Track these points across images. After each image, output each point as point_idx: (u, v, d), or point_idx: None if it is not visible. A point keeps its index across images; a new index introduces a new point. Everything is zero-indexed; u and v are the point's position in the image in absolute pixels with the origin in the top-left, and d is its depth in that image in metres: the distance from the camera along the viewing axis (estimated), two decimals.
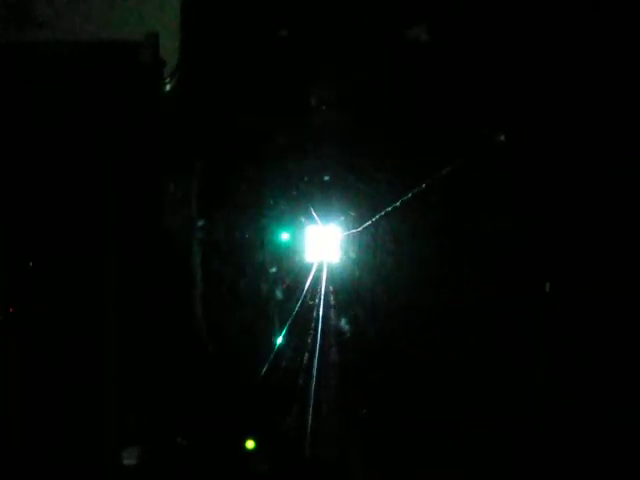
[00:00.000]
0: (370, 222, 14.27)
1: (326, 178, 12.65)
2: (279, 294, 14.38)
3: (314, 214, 16.73)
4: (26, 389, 8.48)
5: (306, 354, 13.46)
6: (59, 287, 8.79)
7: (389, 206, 11.86)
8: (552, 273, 8.45)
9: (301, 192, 12.40)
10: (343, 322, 16.88)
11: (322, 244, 19.05)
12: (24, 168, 8.89)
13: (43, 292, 8.86)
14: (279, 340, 12.51)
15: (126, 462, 7.92)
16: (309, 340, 15.50)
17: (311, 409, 10.09)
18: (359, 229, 15.29)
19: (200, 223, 10.04)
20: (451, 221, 10.05)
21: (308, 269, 18.20)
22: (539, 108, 8.17)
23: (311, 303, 17.38)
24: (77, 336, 8.77)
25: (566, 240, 8.26)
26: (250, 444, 8.58)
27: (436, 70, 9.35)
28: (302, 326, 16.52)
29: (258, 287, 12.63)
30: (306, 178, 11.93)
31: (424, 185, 10.06)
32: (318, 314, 17.94)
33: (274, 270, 14.26)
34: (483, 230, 9.31)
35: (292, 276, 16.32)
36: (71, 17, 9.34)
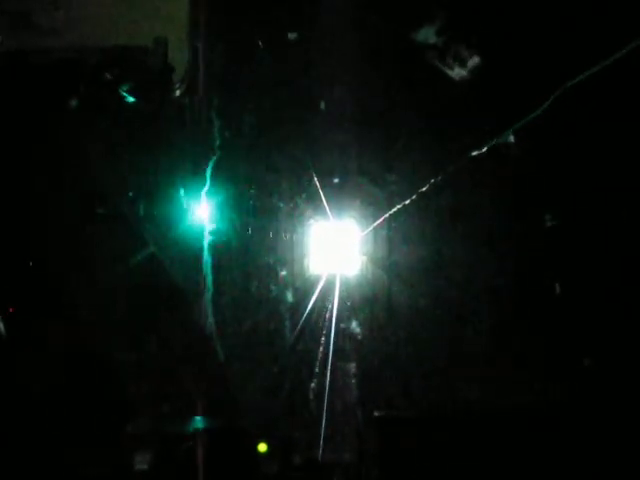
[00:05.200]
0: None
1: (336, 180, 12.32)
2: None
3: (326, 207, 11.45)
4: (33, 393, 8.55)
5: None
6: (66, 290, 8.88)
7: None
8: (562, 274, 8.44)
9: (311, 194, 12.05)
10: None
11: (334, 247, 11.54)
12: (33, 172, 8.99)
13: (47, 294, 8.95)
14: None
15: (138, 467, 7.95)
16: None
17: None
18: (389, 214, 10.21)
19: (210, 227, 10.05)
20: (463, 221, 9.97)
21: (307, 292, 11.69)
22: (550, 109, 8.16)
23: None
24: (83, 340, 8.84)
25: (577, 241, 8.24)
26: (262, 447, 8.58)
27: (446, 71, 9.35)
28: None
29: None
30: (316, 179, 11.78)
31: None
32: None
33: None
34: (496, 230, 9.29)
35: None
36: (78, 24, 9.41)
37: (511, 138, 8.97)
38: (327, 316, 11.31)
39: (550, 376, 8.68)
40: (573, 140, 8.69)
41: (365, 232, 12.33)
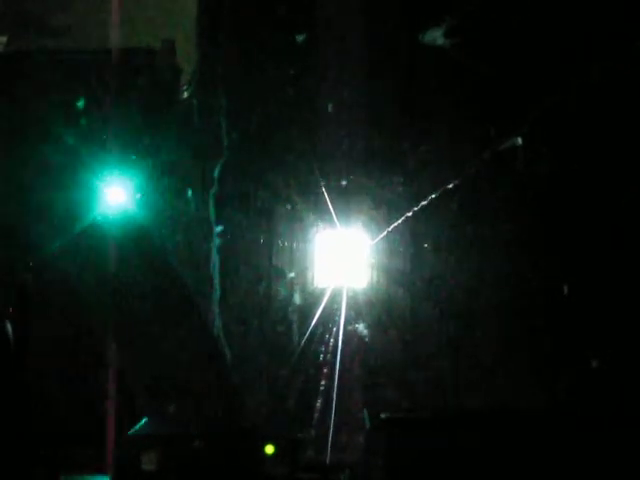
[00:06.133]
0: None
1: (344, 182, 11.98)
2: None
3: (332, 212, 10.12)
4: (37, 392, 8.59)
5: None
6: (73, 294, 8.92)
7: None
8: (570, 275, 8.42)
9: (318, 197, 11.81)
10: None
11: (342, 257, 10.11)
12: (37, 173, 9.01)
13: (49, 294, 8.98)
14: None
15: (145, 468, 7.95)
16: None
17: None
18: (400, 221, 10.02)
19: (217, 229, 10.07)
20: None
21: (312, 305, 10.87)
22: (558, 111, 8.17)
23: None
24: (92, 342, 8.87)
25: (584, 241, 8.23)
26: (270, 449, 8.57)
27: (454, 73, 9.36)
28: None
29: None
30: (323, 182, 11.66)
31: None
32: None
33: None
34: (504, 232, 9.29)
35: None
36: (87, 25, 9.45)
37: (519, 141, 8.98)
38: (334, 329, 11.20)
39: (557, 379, 8.68)
40: (580, 142, 8.70)
41: (375, 241, 11.22)
